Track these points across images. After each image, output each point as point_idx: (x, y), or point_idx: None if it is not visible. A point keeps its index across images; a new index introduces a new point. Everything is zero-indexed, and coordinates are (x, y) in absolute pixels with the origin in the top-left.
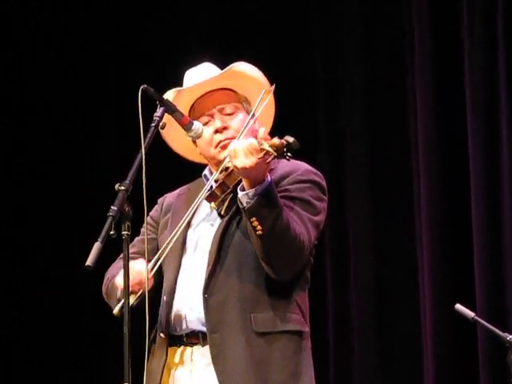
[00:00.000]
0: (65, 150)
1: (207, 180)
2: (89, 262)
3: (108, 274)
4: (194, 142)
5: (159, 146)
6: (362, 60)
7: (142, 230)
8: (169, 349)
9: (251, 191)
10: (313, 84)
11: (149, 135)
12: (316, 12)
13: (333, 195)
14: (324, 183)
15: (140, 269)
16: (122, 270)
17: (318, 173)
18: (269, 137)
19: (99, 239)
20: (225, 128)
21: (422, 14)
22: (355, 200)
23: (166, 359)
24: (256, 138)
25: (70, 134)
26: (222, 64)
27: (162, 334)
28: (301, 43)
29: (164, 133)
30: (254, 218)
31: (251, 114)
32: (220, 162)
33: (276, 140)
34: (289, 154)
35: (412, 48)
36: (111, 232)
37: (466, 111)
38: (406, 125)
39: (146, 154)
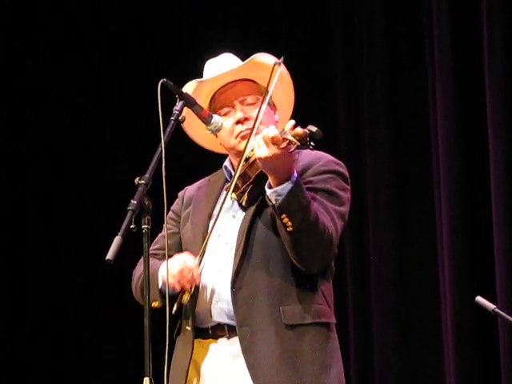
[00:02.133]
0: (81, 144)
1: (227, 171)
2: (109, 256)
3: (140, 271)
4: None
5: (179, 139)
6: (383, 55)
7: (166, 226)
8: (195, 341)
9: (279, 188)
10: (333, 80)
11: (168, 129)
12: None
13: (353, 188)
14: (347, 173)
15: (190, 265)
16: (164, 262)
17: (340, 162)
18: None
19: (119, 233)
20: (246, 119)
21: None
22: (376, 194)
23: (192, 352)
24: (279, 127)
25: (89, 129)
26: (243, 55)
27: (187, 327)
28: (322, 34)
29: (185, 123)
30: (284, 215)
31: (266, 93)
32: (241, 153)
33: (299, 129)
34: (312, 143)
35: (432, 44)
36: (131, 226)
37: (487, 110)
38: (426, 120)
39: (165, 147)
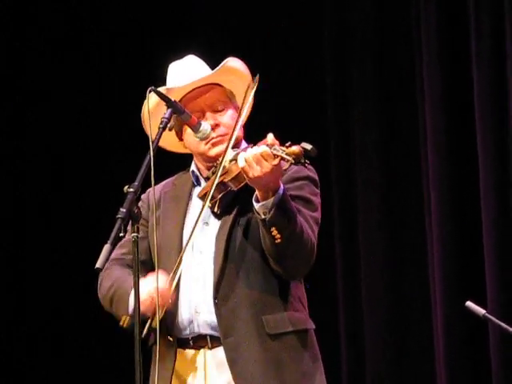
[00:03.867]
0: (81, 144)
1: (194, 175)
2: (98, 264)
3: (111, 281)
4: (179, 136)
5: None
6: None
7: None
8: (177, 351)
9: (268, 202)
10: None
11: (157, 137)
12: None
13: (343, 196)
14: (316, 177)
15: (161, 288)
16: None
17: (311, 167)
18: (277, 142)
19: (109, 241)
20: (217, 125)
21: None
22: (365, 199)
23: (175, 362)
24: (267, 144)
25: (89, 129)
26: (241, 56)
27: (169, 337)
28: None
29: (145, 125)
30: (273, 228)
31: (241, 110)
32: (210, 158)
33: (295, 148)
34: (307, 161)
35: (420, 52)
36: (120, 234)
37: (475, 112)
38: (415, 125)
39: (154, 155)
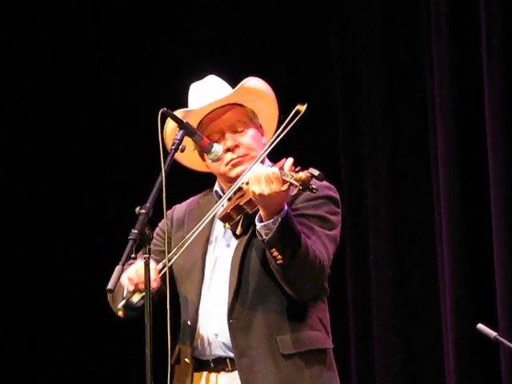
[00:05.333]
0: (81, 144)
1: (218, 195)
2: (110, 285)
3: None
4: (202, 156)
5: (179, 168)
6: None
7: (153, 241)
8: (194, 374)
9: (269, 222)
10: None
11: (169, 158)
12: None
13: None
14: (337, 196)
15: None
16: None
17: (331, 186)
18: (293, 167)
19: (120, 262)
20: (236, 146)
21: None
22: (375, 213)
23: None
24: (281, 168)
25: (89, 129)
26: (232, 77)
27: (186, 359)
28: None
29: (168, 145)
30: (273, 249)
31: (277, 137)
32: (231, 179)
33: (302, 174)
34: (314, 187)
35: (431, 62)
36: (132, 255)
37: (486, 123)
38: (425, 129)
39: (166, 176)
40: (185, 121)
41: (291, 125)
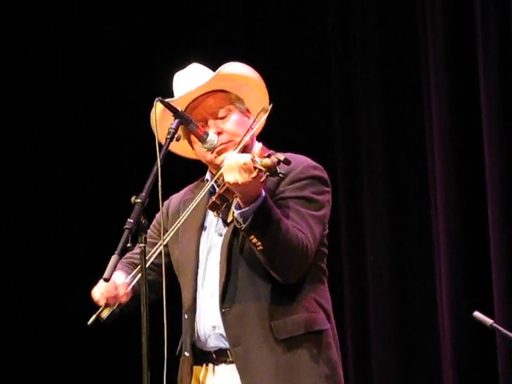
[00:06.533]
0: (81, 144)
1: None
2: (106, 275)
3: None
4: (191, 143)
5: (174, 157)
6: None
7: (149, 233)
8: (194, 367)
9: (246, 210)
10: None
11: (164, 147)
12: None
13: (349, 203)
14: (324, 175)
15: (118, 283)
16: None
17: (319, 166)
18: (265, 149)
19: (116, 251)
20: (219, 133)
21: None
22: (372, 205)
23: (191, 378)
24: (251, 153)
25: (89, 129)
26: (242, 59)
27: (186, 353)
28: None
29: (159, 134)
30: (252, 236)
31: (249, 130)
32: (217, 167)
33: (267, 160)
34: (281, 171)
35: (426, 57)
36: (128, 244)
37: (482, 117)
38: (421, 126)
39: (161, 165)
40: (179, 109)
41: (260, 122)
